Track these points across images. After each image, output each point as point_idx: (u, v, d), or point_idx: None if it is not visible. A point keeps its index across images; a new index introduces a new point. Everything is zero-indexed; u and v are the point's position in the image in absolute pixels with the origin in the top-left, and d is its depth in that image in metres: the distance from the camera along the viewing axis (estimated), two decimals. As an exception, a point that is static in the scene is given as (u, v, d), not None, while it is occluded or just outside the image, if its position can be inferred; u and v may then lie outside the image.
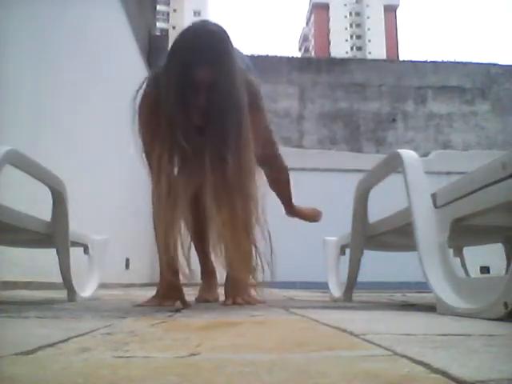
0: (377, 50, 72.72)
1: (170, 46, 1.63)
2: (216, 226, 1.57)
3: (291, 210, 2.42)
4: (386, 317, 1.29)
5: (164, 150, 1.56)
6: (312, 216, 2.55)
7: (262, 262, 1.60)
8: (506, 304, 1.03)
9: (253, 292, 1.74)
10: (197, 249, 2.13)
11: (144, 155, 1.76)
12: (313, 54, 76.42)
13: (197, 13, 67.83)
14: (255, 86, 1.77)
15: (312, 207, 2.54)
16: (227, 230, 1.52)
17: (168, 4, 57.70)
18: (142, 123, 1.75)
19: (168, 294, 1.70)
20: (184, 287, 1.76)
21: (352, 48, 78.07)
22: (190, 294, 1.89)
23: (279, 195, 2.32)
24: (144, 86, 1.75)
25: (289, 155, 2.23)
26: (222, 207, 1.52)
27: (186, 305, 1.67)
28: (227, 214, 1.51)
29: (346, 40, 79.47)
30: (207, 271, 2.19)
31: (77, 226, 2.19)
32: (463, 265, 2.04)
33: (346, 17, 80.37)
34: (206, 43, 1.52)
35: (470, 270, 2.04)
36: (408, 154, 1.63)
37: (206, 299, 2.04)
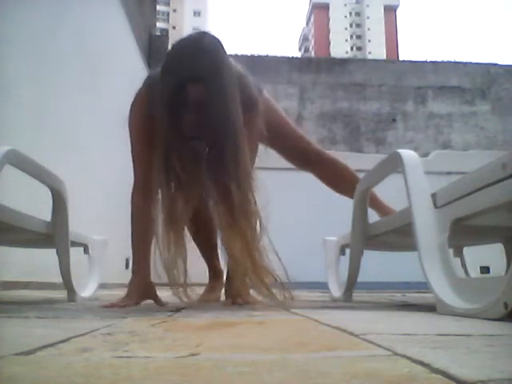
0: (377, 50, 72.75)
1: (168, 50, 1.62)
2: (231, 253, 1.59)
3: (377, 208, 2.15)
4: (386, 317, 1.29)
5: (160, 166, 1.56)
6: None
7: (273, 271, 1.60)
8: (505, 304, 1.03)
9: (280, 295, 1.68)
10: (204, 254, 2.15)
11: (132, 156, 1.77)
12: (313, 54, 76.43)
13: (197, 13, 67.80)
14: (253, 93, 1.76)
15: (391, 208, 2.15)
16: (243, 256, 1.54)
17: (168, 4, 57.69)
18: (132, 127, 1.76)
19: (143, 293, 1.70)
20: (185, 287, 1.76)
21: (352, 48, 78.09)
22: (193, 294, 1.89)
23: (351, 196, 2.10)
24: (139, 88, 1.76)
25: (289, 155, 2.22)
26: (234, 235, 1.54)
27: (160, 304, 1.67)
28: (240, 241, 1.53)
29: (346, 40, 79.49)
30: (213, 274, 2.19)
31: (77, 226, 2.19)
32: (463, 265, 2.03)
33: (346, 17, 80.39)
34: (199, 62, 1.49)
35: (470, 270, 2.04)
36: (408, 154, 1.63)
37: (206, 300, 2.05)
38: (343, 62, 10.05)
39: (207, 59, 1.50)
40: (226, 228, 1.56)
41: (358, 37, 79.70)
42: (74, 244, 2.21)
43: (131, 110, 1.78)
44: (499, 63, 9.74)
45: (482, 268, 3.56)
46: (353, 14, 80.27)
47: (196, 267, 2.20)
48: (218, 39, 1.58)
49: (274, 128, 2.00)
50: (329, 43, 77.87)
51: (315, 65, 9.72)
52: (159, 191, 1.61)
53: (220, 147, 1.54)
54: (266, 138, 1.83)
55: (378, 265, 3.48)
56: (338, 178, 2.22)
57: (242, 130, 1.56)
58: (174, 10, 63.07)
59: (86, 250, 2.42)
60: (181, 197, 1.58)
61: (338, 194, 2.33)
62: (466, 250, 2.08)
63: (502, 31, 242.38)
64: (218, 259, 2.18)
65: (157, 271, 1.60)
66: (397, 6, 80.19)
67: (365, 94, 9.32)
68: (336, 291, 2.43)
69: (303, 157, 2.19)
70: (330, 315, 1.31)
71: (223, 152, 1.54)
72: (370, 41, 78.05)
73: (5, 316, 1.23)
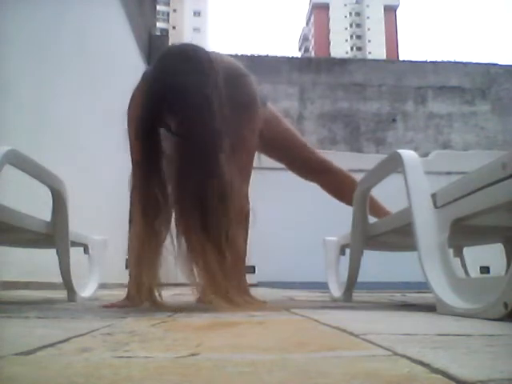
0: (377, 50, 72.79)
1: (156, 60, 1.56)
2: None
3: (376, 213, 2.13)
4: (385, 317, 1.29)
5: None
6: None
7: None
8: (505, 304, 1.03)
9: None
10: None
11: (130, 153, 1.75)
12: (313, 54, 76.46)
13: (197, 13, 67.84)
14: (251, 92, 1.74)
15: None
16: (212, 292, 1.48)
17: (168, 4, 57.72)
18: (130, 121, 1.73)
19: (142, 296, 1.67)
20: (183, 287, 1.76)
21: (352, 48, 78.11)
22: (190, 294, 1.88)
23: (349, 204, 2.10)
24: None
25: (289, 155, 2.22)
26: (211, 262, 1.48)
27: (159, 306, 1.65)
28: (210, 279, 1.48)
29: (346, 40, 79.51)
30: None
31: (77, 226, 2.19)
32: (463, 265, 2.04)
33: (346, 17, 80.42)
34: (177, 95, 1.43)
35: (470, 270, 2.04)
36: (408, 154, 1.63)
37: (205, 300, 2.04)
38: (343, 62, 10.06)
39: (187, 92, 1.43)
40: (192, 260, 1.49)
41: (358, 37, 79.71)
42: (74, 244, 2.21)
43: (129, 104, 1.75)
44: (499, 63, 9.76)
45: (481, 268, 3.56)
46: (353, 14, 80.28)
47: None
48: (202, 59, 1.49)
49: (280, 139, 2.00)
50: (329, 43, 77.89)
51: (315, 65, 9.73)
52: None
53: (200, 182, 1.44)
54: (271, 148, 1.79)
55: (377, 265, 3.49)
56: (345, 189, 2.19)
57: (223, 166, 1.47)
58: (174, 10, 63.08)
59: (86, 250, 2.42)
60: (157, 226, 1.51)
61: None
62: (466, 250, 2.08)
63: (502, 31, 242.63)
64: None
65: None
66: (397, 6, 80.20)
67: (365, 94, 9.33)
68: (336, 291, 2.43)
69: (307, 166, 2.19)
70: (330, 315, 1.31)
71: (204, 187, 1.43)
72: (370, 41, 78.07)
73: (5, 316, 1.23)
